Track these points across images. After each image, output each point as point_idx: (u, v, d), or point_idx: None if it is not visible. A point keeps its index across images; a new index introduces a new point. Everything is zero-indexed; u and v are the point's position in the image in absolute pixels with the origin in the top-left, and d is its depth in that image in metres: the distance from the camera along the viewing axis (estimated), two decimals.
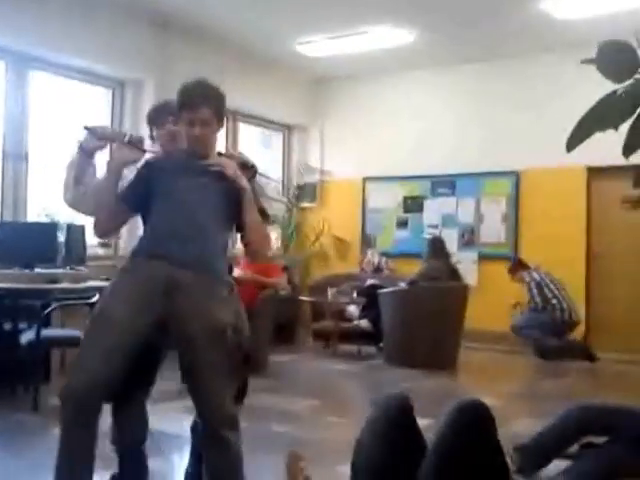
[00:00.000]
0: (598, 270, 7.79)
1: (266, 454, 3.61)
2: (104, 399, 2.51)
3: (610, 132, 2.58)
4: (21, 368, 4.82)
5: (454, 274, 6.98)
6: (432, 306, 6.48)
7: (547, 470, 3.27)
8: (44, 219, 6.19)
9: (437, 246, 7.15)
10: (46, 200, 6.36)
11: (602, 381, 6.21)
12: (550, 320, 7.02)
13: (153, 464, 3.57)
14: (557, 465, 3.29)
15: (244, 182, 2.55)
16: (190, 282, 2.45)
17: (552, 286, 7.16)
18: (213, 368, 2.41)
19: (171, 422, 4.43)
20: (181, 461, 3.81)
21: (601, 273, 7.76)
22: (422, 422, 4.51)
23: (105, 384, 2.42)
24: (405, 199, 8.93)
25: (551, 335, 7.03)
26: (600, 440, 3.49)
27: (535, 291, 7.17)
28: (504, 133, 8.08)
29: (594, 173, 7.75)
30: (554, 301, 7.07)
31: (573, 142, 2.60)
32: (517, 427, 4.23)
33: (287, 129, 9.57)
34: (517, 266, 7.54)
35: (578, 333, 7.65)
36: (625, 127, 2.48)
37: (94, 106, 7.05)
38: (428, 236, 8.07)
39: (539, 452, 3.27)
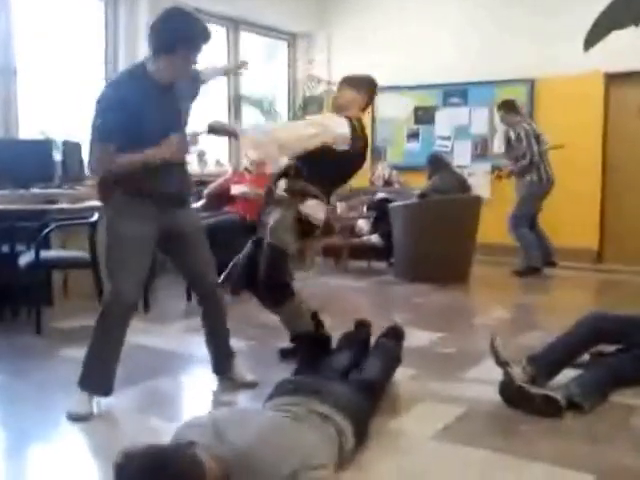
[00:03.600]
0: (613, 181, 7.69)
1: (272, 367, 3.67)
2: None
3: (630, 35, 2.47)
4: (22, 291, 4.85)
5: (464, 186, 6.92)
6: (443, 219, 6.43)
7: (558, 379, 3.30)
8: (39, 137, 6.11)
9: (440, 162, 7.08)
10: (40, 117, 6.28)
11: (617, 293, 6.21)
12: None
13: (162, 383, 3.64)
14: (567, 375, 3.32)
15: None
16: None
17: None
18: None
19: (178, 342, 4.49)
20: (189, 380, 3.88)
21: (617, 184, 7.67)
22: (433, 336, 4.60)
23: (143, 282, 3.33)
24: (416, 110, 8.77)
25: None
26: (610, 349, 3.53)
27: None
28: (519, 38, 7.81)
29: (612, 80, 7.54)
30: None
31: (591, 40, 2.48)
32: (529, 338, 4.26)
33: (292, 38, 9.32)
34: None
35: (592, 244, 7.64)
36: None
37: (85, 20, 6.86)
38: (444, 149, 8.00)
39: (550, 362, 3.30)
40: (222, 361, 3.60)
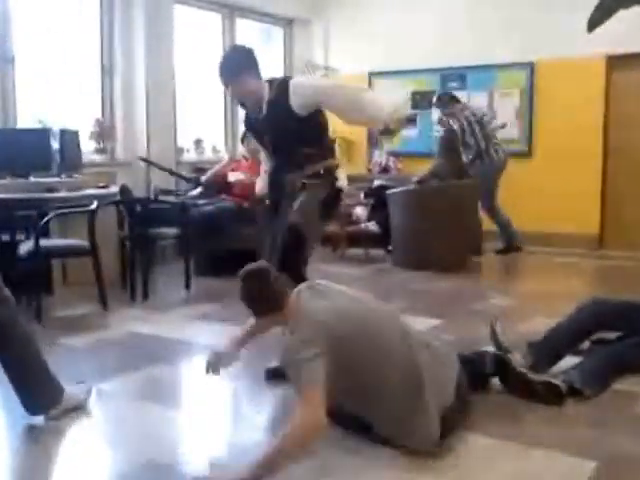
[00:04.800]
0: (615, 165, 7.69)
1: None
2: None
3: (632, 17, 2.47)
4: (22, 280, 4.86)
5: (461, 173, 6.89)
6: (441, 206, 6.44)
7: (559, 366, 3.33)
8: (36, 125, 6.10)
9: (451, 142, 7.02)
10: (38, 106, 6.26)
11: (618, 279, 6.24)
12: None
13: (161, 371, 3.66)
14: (568, 362, 3.35)
15: None
16: None
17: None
18: None
19: (177, 330, 4.51)
20: (189, 367, 3.90)
21: (618, 168, 7.67)
22: (431, 322, 4.61)
23: None
24: (414, 94, 8.75)
25: None
26: (611, 336, 3.55)
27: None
28: (518, 20, 7.79)
29: (614, 62, 7.52)
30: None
31: (594, 21, 2.49)
32: (530, 325, 4.28)
33: (288, 23, 9.28)
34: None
35: (592, 229, 7.65)
36: None
37: (82, 8, 6.83)
38: (436, 134, 7.96)
39: (551, 348, 3.33)
40: None
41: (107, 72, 6.85)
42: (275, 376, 3.44)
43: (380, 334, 2.65)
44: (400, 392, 2.60)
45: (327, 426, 2.42)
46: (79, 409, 3.06)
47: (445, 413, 2.62)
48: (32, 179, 5.46)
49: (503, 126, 7.39)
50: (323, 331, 2.50)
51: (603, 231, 7.73)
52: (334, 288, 2.84)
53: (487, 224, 7.23)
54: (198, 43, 8.05)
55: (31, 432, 2.94)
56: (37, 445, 2.87)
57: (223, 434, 2.98)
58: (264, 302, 2.68)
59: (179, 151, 7.47)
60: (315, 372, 2.42)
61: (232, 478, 2.30)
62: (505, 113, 8.07)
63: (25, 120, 6.08)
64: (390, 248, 7.11)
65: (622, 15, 2.42)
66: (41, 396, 2.95)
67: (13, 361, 2.88)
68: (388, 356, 2.61)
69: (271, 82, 3.55)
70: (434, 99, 7.52)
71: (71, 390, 3.06)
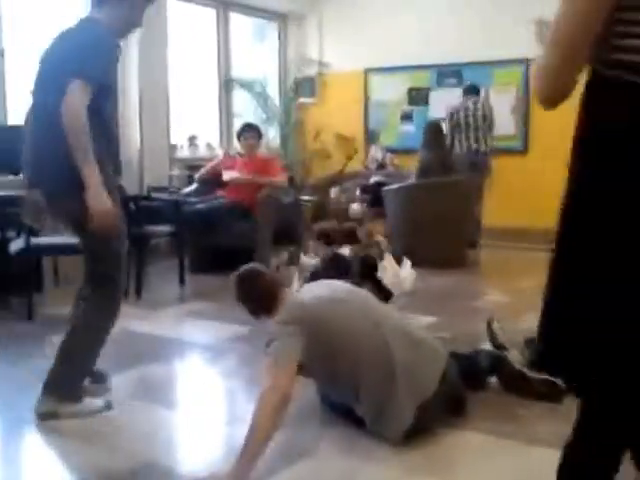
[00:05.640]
0: None
1: None
2: None
3: None
4: (13, 278, 4.85)
5: (446, 167, 6.81)
6: (438, 202, 6.43)
7: None
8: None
9: (431, 134, 6.85)
10: (28, 101, 6.22)
11: None
12: None
13: (155, 369, 3.65)
14: None
15: None
16: None
17: None
18: None
19: (172, 328, 4.51)
20: (184, 365, 3.89)
21: None
22: (426, 319, 4.60)
23: None
24: (410, 91, 8.75)
25: None
26: None
27: None
28: (514, 16, 7.79)
29: None
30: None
31: None
32: (527, 322, 4.26)
33: (282, 19, 9.27)
34: None
35: None
36: None
37: (74, 1, 6.80)
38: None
39: None
40: None
41: None
42: None
43: (351, 318, 2.74)
44: (373, 377, 2.66)
45: (289, 401, 2.46)
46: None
47: (424, 403, 2.63)
48: (23, 176, 5.43)
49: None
50: (300, 311, 2.67)
51: None
52: (323, 282, 3.06)
53: (486, 218, 7.23)
54: (192, 38, 8.03)
55: (25, 432, 2.93)
56: (30, 444, 2.86)
57: (218, 433, 2.97)
58: (259, 301, 2.79)
59: (173, 148, 7.46)
60: (289, 347, 2.53)
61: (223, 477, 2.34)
62: (501, 110, 8.06)
63: (16, 116, 6.05)
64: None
65: None
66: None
67: None
68: (359, 340, 2.69)
69: None
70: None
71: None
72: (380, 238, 5.39)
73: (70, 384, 3.01)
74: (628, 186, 1.43)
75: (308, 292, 2.93)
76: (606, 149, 1.46)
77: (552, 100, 1.52)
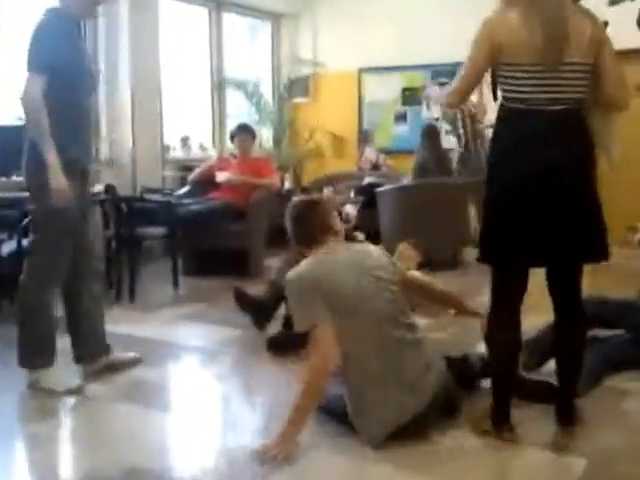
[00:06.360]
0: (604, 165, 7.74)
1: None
2: None
3: (624, 12, 2.52)
4: (5, 280, 4.85)
5: (443, 166, 6.87)
6: (432, 204, 6.46)
7: (550, 365, 3.36)
8: (17, 122, 6.07)
9: (426, 135, 6.96)
10: (16, 102, 6.22)
11: (608, 276, 6.29)
12: None
13: (149, 372, 3.67)
14: None
15: None
16: None
17: None
18: None
19: (165, 330, 4.53)
20: (178, 368, 3.92)
21: (606, 172, 7.71)
22: (422, 322, 4.61)
23: None
24: (404, 91, 8.79)
25: None
26: (604, 334, 3.59)
27: None
28: None
29: None
30: None
31: None
32: (523, 323, 4.30)
33: (276, 18, 9.30)
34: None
35: None
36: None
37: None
38: None
39: (542, 346, 3.36)
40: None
41: None
42: (276, 346, 3.78)
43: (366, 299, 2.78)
44: (369, 365, 2.72)
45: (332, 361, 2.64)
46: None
47: (415, 411, 2.70)
48: (14, 178, 5.45)
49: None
50: (318, 273, 2.75)
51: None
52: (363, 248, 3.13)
53: None
54: (184, 38, 8.05)
55: (15, 435, 2.96)
56: (22, 448, 2.88)
57: (212, 437, 2.99)
58: (309, 231, 2.93)
59: (165, 149, 7.47)
60: (320, 311, 2.65)
61: (274, 444, 2.55)
62: (495, 108, 8.09)
63: (5, 117, 6.05)
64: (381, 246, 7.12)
65: (614, 10, 2.47)
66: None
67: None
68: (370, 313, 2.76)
69: None
70: None
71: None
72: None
73: (30, 351, 3.35)
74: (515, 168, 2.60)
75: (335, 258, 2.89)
76: (504, 147, 2.67)
77: (454, 105, 2.99)
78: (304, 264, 2.81)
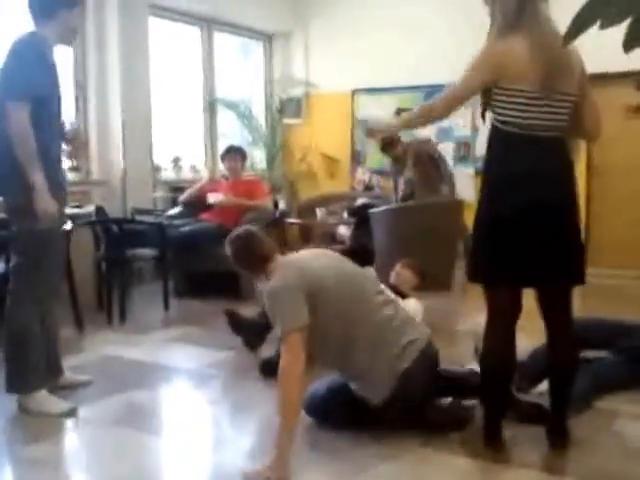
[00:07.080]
0: (597, 186, 7.82)
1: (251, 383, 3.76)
2: None
3: (611, 35, 2.57)
4: None
5: (431, 187, 6.92)
6: (425, 224, 6.51)
7: (542, 386, 3.40)
8: None
9: (417, 157, 7.04)
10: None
11: (600, 297, 6.34)
12: None
13: (140, 395, 3.69)
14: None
15: None
16: None
17: None
18: None
19: (156, 353, 4.54)
20: (168, 391, 3.94)
21: (601, 189, 7.80)
22: None
23: None
24: (398, 111, 8.85)
25: None
26: (595, 355, 3.64)
27: None
28: None
29: (594, 81, 7.63)
30: None
31: (570, 35, 2.64)
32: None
33: (268, 38, 9.39)
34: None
35: None
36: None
37: None
38: None
39: (534, 368, 3.39)
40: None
41: (80, 88, 6.87)
42: (269, 370, 3.68)
43: (347, 282, 3.03)
44: (362, 342, 2.92)
45: (304, 374, 2.68)
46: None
47: (405, 372, 2.91)
48: (3, 198, 5.47)
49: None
50: (298, 274, 2.86)
51: (586, 249, 7.83)
52: (314, 250, 3.43)
53: None
54: (176, 58, 8.11)
55: (10, 459, 2.97)
56: (16, 471, 2.89)
57: (204, 460, 3.00)
58: (251, 258, 3.11)
59: (156, 169, 7.49)
60: (294, 312, 2.75)
61: (266, 469, 2.56)
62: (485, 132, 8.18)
63: None
64: (374, 267, 7.15)
65: (604, 32, 2.53)
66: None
67: None
68: (357, 307, 2.97)
69: None
70: None
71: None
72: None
73: (20, 375, 3.36)
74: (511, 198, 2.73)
75: (302, 258, 3.13)
76: (501, 173, 2.78)
77: (438, 112, 3.00)
78: (282, 272, 2.93)
